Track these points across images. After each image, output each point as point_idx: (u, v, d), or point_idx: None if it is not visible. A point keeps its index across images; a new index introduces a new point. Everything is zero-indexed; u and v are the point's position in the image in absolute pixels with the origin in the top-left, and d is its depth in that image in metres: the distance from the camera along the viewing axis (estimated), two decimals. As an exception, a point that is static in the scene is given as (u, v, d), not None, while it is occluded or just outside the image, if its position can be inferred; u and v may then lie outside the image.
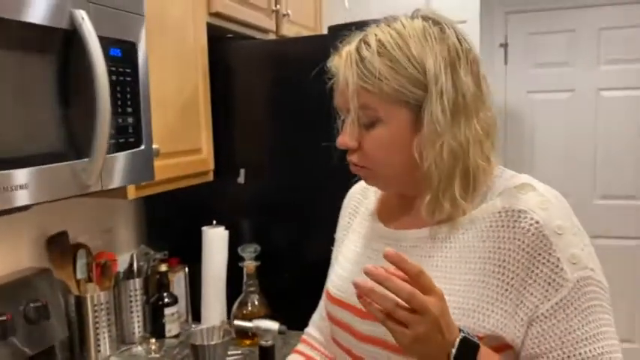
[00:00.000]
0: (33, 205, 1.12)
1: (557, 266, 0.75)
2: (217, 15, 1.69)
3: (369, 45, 0.80)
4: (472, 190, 0.82)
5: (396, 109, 0.80)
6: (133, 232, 1.89)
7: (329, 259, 1.73)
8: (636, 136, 3.01)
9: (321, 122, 1.67)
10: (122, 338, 1.65)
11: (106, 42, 1.11)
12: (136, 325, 1.67)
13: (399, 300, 0.68)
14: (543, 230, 0.76)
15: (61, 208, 1.57)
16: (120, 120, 1.21)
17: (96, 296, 1.54)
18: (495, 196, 0.82)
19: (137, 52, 1.25)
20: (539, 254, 0.76)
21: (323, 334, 1.06)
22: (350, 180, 1.64)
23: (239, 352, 1.58)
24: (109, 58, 1.13)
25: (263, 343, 1.39)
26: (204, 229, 1.72)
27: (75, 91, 1.09)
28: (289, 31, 2.09)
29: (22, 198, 1.00)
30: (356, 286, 0.70)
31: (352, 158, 0.85)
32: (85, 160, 1.10)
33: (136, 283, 1.67)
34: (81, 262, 1.56)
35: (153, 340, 1.57)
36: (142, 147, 1.28)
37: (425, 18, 0.82)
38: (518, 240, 0.77)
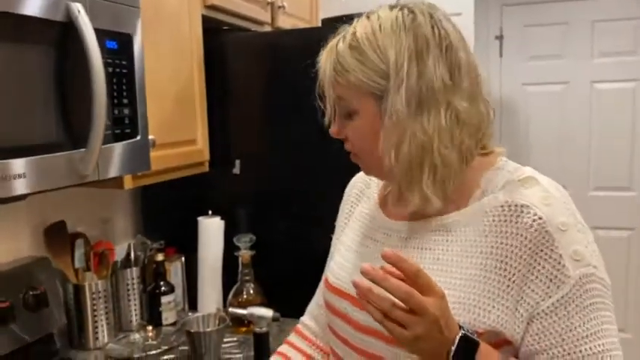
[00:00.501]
0: (30, 194, 1.15)
1: (560, 263, 0.75)
2: (213, 7, 1.71)
3: (344, 39, 0.82)
4: (444, 183, 0.80)
5: (365, 101, 0.82)
6: (129, 222, 1.91)
7: (323, 249, 1.76)
8: (630, 127, 3.04)
9: (316, 114, 1.71)
10: (120, 326, 1.68)
11: (102, 34, 1.14)
12: (134, 313, 1.70)
13: (397, 300, 0.68)
14: (546, 226, 0.75)
15: (59, 197, 1.59)
16: (116, 111, 1.23)
17: (94, 284, 1.56)
18: (498, 189, 0.81)
19: (133, 44, 1.27)
20: (542, 250, 0.75)
21: (319, 324, 1.07)
22: (345, 171, 1.67)
23: (234, 339, 1.61)
24: (105, 50, 1.15)
25: (257, 330, 1.42)
26: (200, 219, 1.74)
27: (72, 82, 1.11)
28: (285, 23, 2.11)
29: (19, 187, 1.02)
30: (355, 285, 0.70)
31: (346, 147, 0.88)
32: (82, 150, 1.12)
33: (133, 272, 1.69)
34: (79, 251, 1.59)
35: (150, 328, 1.60)
36: (138, 137, 1.30)
37: (402, 7, 0.82)
38: (521, 235, 0.76)
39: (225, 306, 1.72)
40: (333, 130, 0.88)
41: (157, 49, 1.45)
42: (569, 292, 0.75)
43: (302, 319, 1.13)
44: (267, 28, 2.04)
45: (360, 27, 0.82)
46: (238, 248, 1.70)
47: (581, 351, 0.75)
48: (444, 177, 0.80)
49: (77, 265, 1.58)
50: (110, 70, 1.20)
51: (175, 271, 1.81)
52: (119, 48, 1.23)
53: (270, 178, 1.77)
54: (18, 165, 1.00)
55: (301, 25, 2.23)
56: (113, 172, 1.24)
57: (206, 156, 1.73)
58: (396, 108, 0.78)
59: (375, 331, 0.82)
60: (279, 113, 1.74)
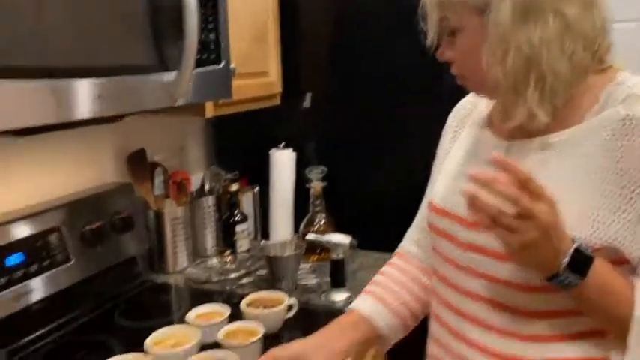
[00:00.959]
0: (123, 115, 1.19)
1: None
2: None
3: None
4: (552, 96, 0.78)
5: (469, 16, 0.80)
6: (203, 154, 1.97)
7: (394, 182, 1.78)
8: None
9: (393, 46, 1.70)
10: (196, 252, 1.75)
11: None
12: (209, 240, 1.76)
13: (506, 206, 0.67)
14: None
15: (137, 127, 1.64)
16: (202, 36, 1.24)
17: (173, 211, 1.62)
18: (617, 103, 0.78)
19: (216, -31, 1.26)
20: None
21: (421, 247, 1.08)
22: (414, 104, 1.66)
23: (307, 265, 1.66)
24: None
25: (334, 256, 1.45)
26: (272, 151, 1.77)
27: (164, 3, 1.12)
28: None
29: (111, 107, 1.04)
30: (463, 193, 0.69)
31: (452, 69, 0.87)
32: (173, 72, 1.15)
33: (209, 201, 1.75)
34: (158, 179, 1.65)
35: (228, 252, 1.66)
36: (222, 64, 1.31)
37: None
38: None
39: (296, 234, 1.76)
40: (439, 53, 0.87)
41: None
42: None
43: (401, 244, 1.14)
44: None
45: None
46: (309, 181, 1.73)
47: None
48: (552, 90, 0.78)
49: (157, 192, 1.64)
50: (197, -7, 1.20)
51: (247, 202, 1.86)
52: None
53: (340, 112, 1.78)
54: (110, 85, 1.02)
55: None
56: (198, 97, 1.27)
57: (278, 88, 1.74)
58: (500, 20, 0.77)
59: (483, 249, 0.82)
60: (353, 46, 1.73)
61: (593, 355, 0.80)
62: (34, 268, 1.24)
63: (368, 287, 1.08)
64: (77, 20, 0.95)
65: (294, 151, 1.79)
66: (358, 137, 1.77)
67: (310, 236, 1.52)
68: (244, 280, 1.58)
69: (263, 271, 1.62)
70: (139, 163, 1.62)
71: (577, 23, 0.77)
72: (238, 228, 1.78)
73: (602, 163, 0.76)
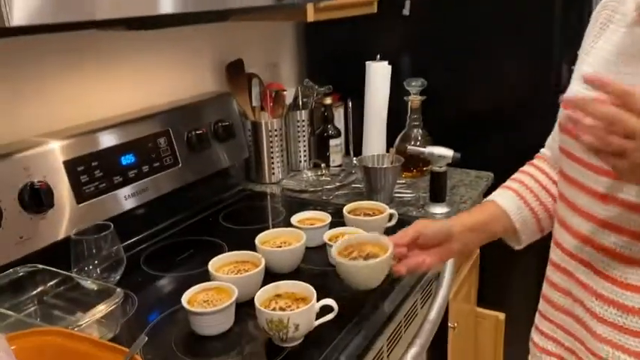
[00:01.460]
0: (232, 11, 1.16)
1: None
2: None
3: None
4: None
5: None
6: (297, 67, 1.95)
7: (498, 99, 1.69)
8: None
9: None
10: (290, 165, 1.76)
11: None
12: (303, 154, 1.77)
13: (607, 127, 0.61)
14: None
15: (234, 37, 1.63)
16: None
17: (270, 123, 1.63)
18: None
19: None
20: None
21: (554, 152, 1.01)
22: (527, 15, 1.54)
23: (402, 181, 1.64)
24: None
25: (436, 168, 1.42)
26: (368, 63, 1.72)
27: None
28: None
29: (219, 1, 1.02)
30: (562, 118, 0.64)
31: None
32: (281, -31, 1.11)
33: (303, 115, 1.74)
34: (255, 90, 1.64)
35: (324, 165, 1.66)
36: (326, -37, 1.26)
37: None
38: None
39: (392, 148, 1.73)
40: None
41: None
42: None
43: (541, 150, 1.08)
44: None
45: None
46: (407, 93, 1.67)
47: None
48: None
49: (254, 103, 1.65)
50: None
51: (339, 117, 1.84)
52: None
53: (442, 19, 1.68)
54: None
55: None
56: (303, -3, 1.23)
57: (376, -6, 1.67)
58: None
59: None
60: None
61: None
62: (145, 169, 1.29)
63: (507, 183, 1.04)
64: None
65: (389, 63, 1.73)
66: (459, 50, 1.68)
67: (411, 148, 1.48)
68: (339, 192, 1.58)
69: (357, 185, 1.61)
70: (237, 73, 1.62)
71: None
72: (332, 142, 1.76)
73: None
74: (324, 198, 1.55)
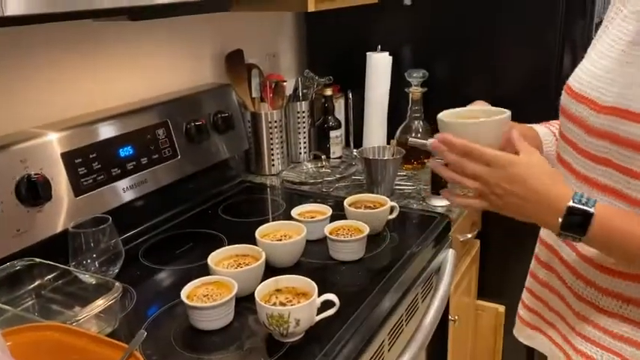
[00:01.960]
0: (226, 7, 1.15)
1: None
2: None
3: None
4: None
5: None
6: (297, 57, 1.93)
7: (500, 90, 1.67)
8: None
9: None
10: (290, 157, 1.75)
11: None
12: (303, 145, 1.75)
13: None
14: None
15: (234, 27, 1.61)
16: None
17: (270, 114, 1.61)
18: None
19: None
20: None
21: None
22: (525, 10, 1.52)
23: (403, 174, 1.63)
24: None
25: (437, 160, 1.40)
26: (369, 54, 1.70)
27: None
28: None
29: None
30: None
31: None
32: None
33: (303, 106, 1.72)
34: (255, 81, 1.63)
35: (324, 157, 1.65)
36: (328, -48, 1.24)
37: None
38: None
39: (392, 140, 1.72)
40: None
41: None
42: None
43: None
44: None
45: None
46: (408, 85, 1.65)
47: None
48: None
49: (254, 94, 1.63)
50: None
51: (339, 108, 1.82)
52: None
53: (444, 10, 1.66)
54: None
55: None
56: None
57: (377, -16, 1.64)
58: None
59: (609, 135, 0.78)
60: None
61: None
62: (144, 161, 1.27)
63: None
64: None
65: (391, 54, 1.71)
66: (462, 41, 1.66)
67: (412, 140, 1.46)
68: (339, 184, 1.57)
69: (357, 177, 1.60)
70: (236, 63, 1.60)
71: None
72: (332, 134, 1.75)
73: None
74: (324, 190, 1.54)
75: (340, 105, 1.84)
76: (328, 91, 1.73)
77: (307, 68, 1.83)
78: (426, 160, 1.65)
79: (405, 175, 1.62)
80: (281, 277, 0.95)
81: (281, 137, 1.65)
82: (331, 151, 1.76)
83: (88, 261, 1.04)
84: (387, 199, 1.30)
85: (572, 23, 1.54)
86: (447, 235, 1.35)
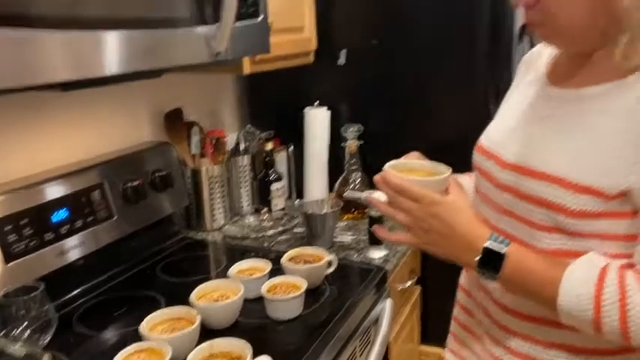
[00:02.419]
0: (165, 70, 1.18)
1: None
2: None
3: None
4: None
5: None
6: (237, 113, 1.96)
7: (432, 140, 1.75)
8: None
9: (431, 3, 1.64)
10: (233, 211, 1.76)
11: None
12: (245, 199, 1.77)
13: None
14: None
15: (173, 86, 1.64)
16: (241, -12, 1.21)
17: (210, 169, 1.63)
18: None
19: None
20: None
21: None
22: (453, 67, 1.62)
23: (343, 224, 1.66)
24: None
25: (373, 213, 1.45)
26: (307, 109, 1.76)
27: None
28: None
29: (156, 60, 1.03)
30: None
31: (530, 15, 0.82)
32: (213, 26, 1.13)
33: (244, 160, 1.75)
34: (195, 138, 1.65)
35: (265, 210, 1.67)
36: (260, 18, 1.29)
37: None
38: None
39: (331, 193, 1.76)
40: None
41: None
42: None
43: None
44: None
45: None
46: (345, 139, 1.71)
47: None
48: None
49: (194, 151, 1.65)
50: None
51: (281, 161, 1.86)
52: None
53: (375, 69, 1.74)
54: (148, 38, 1.00)
55: None
56: (237, 52, 1.25)
57: (313, 45, 1.71)
58: None
59: (512, 189, 0.85)
60: (385, 3, 1.70)
61: None
62: (78, 224, 1.26)
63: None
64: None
65: (328, 109, 1.77)
66: (394, 95, 1.74)
67: (348, 193, 1.51)
68: (281, 238, 1.59)
69: (299, 229, 1.62)
70: (175, 122, 1.62)
71: None
72: (273, 187, 1.78)
73: (633, 115, 0.74)
74: (265, 245, 1.56)
75: (283, 158, 1.88)
76: (269, 146, 1.77)
77: (249, 123, 1.87)
78: (365, 211, 1.70)
79: (345, 225, 1.66)
80: (216, 340, 0.96)
81: (222, 192, 1.67)
82: (273, 203, 1.79)
83: (19, 330, 1.01)
84: (326, 252, 1.33)
85: (496, 71, 1.64)
86: (384, 285, 1.38)
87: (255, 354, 0.92)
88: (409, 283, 1.62)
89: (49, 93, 1.10)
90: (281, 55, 1.55)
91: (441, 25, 1.64)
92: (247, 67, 1.42)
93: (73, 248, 1.25)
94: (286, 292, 1.17)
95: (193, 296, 1.12)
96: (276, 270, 1.27)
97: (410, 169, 0.92)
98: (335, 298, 1.25)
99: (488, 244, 0.80)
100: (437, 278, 1.82)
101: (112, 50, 0.94)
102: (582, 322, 0.75)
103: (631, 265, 0.76)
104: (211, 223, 1.67)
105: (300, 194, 1.85)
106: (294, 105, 1.81)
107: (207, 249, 1.58)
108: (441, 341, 1.84)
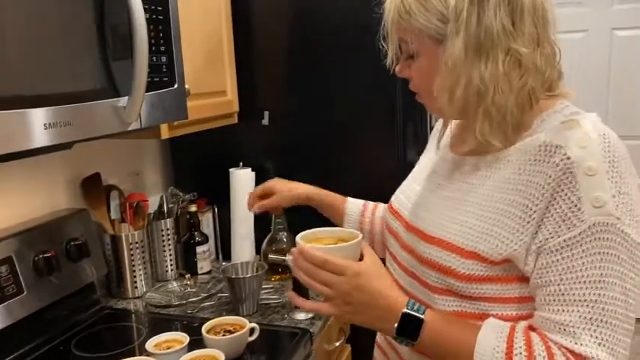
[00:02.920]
0: (76, 142, 1.16)
1: (576, 205, 0.73)
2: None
3: None
4: (501, 127, 0.81)
5: (426, 43, 0.83)
6: (161, 175, 1.93)
7: (359, 193, 1.78)
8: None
9: (345, 64, 1.71)
10: (156, 276, 1.71)
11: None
12: (169, 263, 1.73)
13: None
14: (572, 167, 0.74)
15: (91, 151, 1.60)
16: (154, 58, 1.22)
17: (130, 235, 1.59)
18: (544, 130, 0.80)
19: (167, -9, 1.25)
20: (562, 190, 0.74)
21: None
22: (371, 127, 1.67)
23: (270, 285, 1.64)
24: (143, -3, 1.14)
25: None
26: (232, 170, 1.76)
27: (112, 29, 1.10)
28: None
29: (66, 135, 1.02)
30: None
31: (410, 87, 0.91)
32: (125, 97, 1.13)
33: (167, 223, 1.72)
34: (114, 203, 1.61)
35: (188, 276, 1.63)
36: (175, 86, 1.30)
37: None
38: (546, 174, 0.76)
39: (258, 254, 1.75)
40: (397, 70, 0.91)
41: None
42: (578, 235, 0.74)
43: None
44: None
45: None
46: (270, 198, 1.71)
47: (574, 294, 0.74)
48: (499, 122, 0.81)
49: (113, 216, 1.60)
50: (147, 16, 1.18)
51: (207, 223, 1.84)
52: (154, -6, 1.22)
53: (299, 129, 1.78)
54: (65, 112, 1.00)
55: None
56: (153, 120, 1.25)
57: (236, 107, 1.73)
58: (453, 53, 0.79)
59: (412, 251, 0.90)
60: (306, 66, 1.74)
61: None
62: (-17, 302, 1.19)
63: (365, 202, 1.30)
64: (26, 49, 0.92)
65: (253, 169, 1.78)
66: (317, 154, 1.77)
67: (272, 256, 1.51)
68: (206, 304, 1.55)
69: (224, 293, 1.59)
70: (93, 187, 1.58)
71: (528, 60, 0.79)
72: (199, 249, 1.75)
73: (515, 186, 0.80)
74: (188, 312, 1.51)
75: (208, 219, 1.86)
76: (193, 207, 1.75)
77: (173, 184, 1.85)
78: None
79: (272, 288, 1.64)
80: None
81: (144, 257, 1.62)
82: (199, 266, 1.75)
83: None
84: (247, 321, 1.30)
85: (408, 126, 1.70)
86: (310, 349, 1.36)
87: None
88: (338, 343, 1.61)
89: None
90: (202, 118, 1.55)
91: (362, 85, 1.70)
92: (165, 132, 1.41)
93: (-23, 328, 1.17)
94: (205, 366, 1.13)
95: (105, 377, 1.07)
96: (197, 341, 1.23)
97: (318, 238, 0.93)
98: (258, 367, 1.23)
99: (405, 310, 0.81)
100: (368, 336, 1.82)
101: (20, 128, 0.93)
102: None
103: (533, 328, 0.79)
104: (133, 290, 1.61)
105: (227, 256, 1.82)
106: (220, 165, 1.81)
107: (129, 319, 1.51)
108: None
